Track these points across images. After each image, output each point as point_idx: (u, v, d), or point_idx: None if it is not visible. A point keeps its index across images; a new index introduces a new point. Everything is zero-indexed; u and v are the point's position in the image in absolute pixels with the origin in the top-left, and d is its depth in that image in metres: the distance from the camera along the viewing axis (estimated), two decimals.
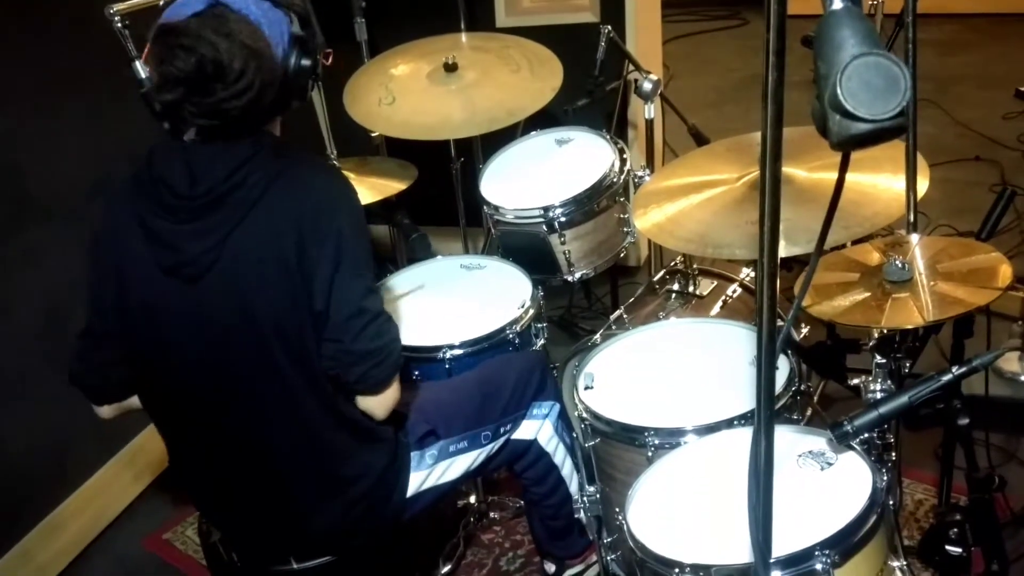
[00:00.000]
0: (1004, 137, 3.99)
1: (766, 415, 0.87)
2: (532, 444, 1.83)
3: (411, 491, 1.66)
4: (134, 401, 1.62)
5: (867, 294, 1.46)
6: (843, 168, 0.77)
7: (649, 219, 1.86)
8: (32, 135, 2.28)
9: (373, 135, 2.70)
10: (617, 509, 1.45)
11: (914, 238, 1.56)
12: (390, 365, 1.47)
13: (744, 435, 1.56)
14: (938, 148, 3.84)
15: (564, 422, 1.86)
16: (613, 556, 1.80)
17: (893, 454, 1.43)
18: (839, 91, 0.63)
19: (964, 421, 1.29)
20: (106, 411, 1.63)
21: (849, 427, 1.28)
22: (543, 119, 2.40)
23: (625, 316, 2.27)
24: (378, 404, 1.51)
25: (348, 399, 1.51)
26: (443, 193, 2.79)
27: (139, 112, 1.39)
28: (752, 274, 2.36)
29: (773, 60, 0.75)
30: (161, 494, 2.65)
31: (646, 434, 1.62)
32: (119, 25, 2.01)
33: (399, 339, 1.49)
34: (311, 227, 1.39)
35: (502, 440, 1.79)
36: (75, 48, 2.34)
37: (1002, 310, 2.62)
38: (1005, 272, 1.40)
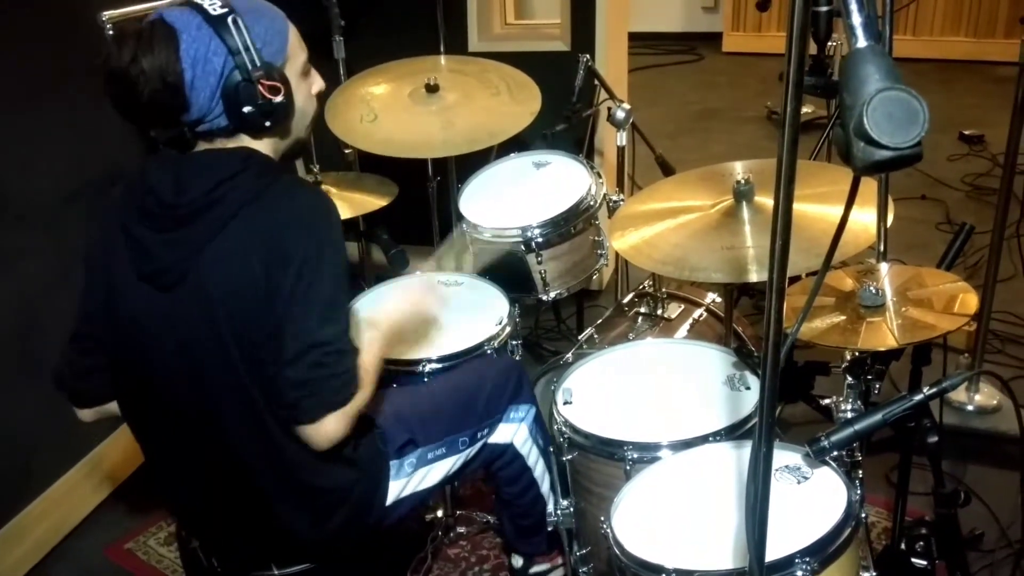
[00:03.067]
0: (949, 177, 4.17)
1: (767, 422, 0.92)
2: (508, 447, 1.86)
3: (391, 499, 1.68)
4: (115, 406, 1.62)
5: (843, 317, 1.54)
6: (852, 194, 0.83)
7: (627, 241, 1.93)
8: (9, 139, 2.26)
9: (347, 151, 2.74)
10: (602, 518, 1.49)
11: (883, 267, 1.65)
12: (325, 400, 1.40)
13: (720, 450, 1.62)
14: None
15: (539, 425, 1.90)
16: (585, 568, 1.85)
17: (860, 471, 1.49)
18: (865, 121, 0.70)
19: (933, 439, 1.37)
20: (87, 414, 1.64)
21: (826, 443, 1.35)
22: (519, 142, 2.46)
23: (596, 336, 2.33)
24: (313, 434, 1.42)
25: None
26: (417, 211, 2.83)
27: (118, 120, 1.40)
28: (718, 299, 2.44)
29: (792, 91, 0.81)
30: (124, 503, 2.62)
31: (624, 448, 1.68)
32: (111, 34, 2.03)
33: (348, 375, 1.42)
34: (278, 249, 1.39)
35: (479, 445, 1.82)
36: (57, 52, 2.33)
37: (950, 343, 2.74)
38: (968, 300, 1.49)
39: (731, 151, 4.61)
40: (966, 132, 4.54)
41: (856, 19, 0.74)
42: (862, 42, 0.73)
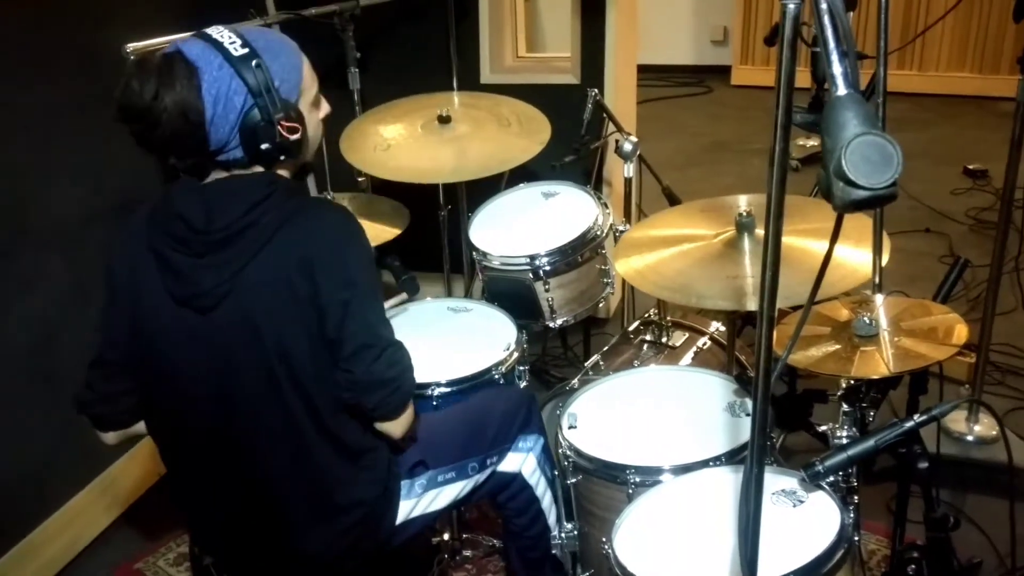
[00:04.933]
0: (953, 211, 4.23)
1: (759, 444, 0.97)
2: (516, 476, 1.90)
3: (400, 519, 1.73)
4: (139, 427, 1.67)
5: (838, 346, 1.59)
6: (836, 229, 0.89)
7: (631, 265, 1.98)
8: (29, 164, 2.34)
9: (360, 179, 2.81)
10: (604, 540, 1.54)
11: (879, 298, 1.70)
12: (404, 392, 1.55)
13: (719, 475, 1.67)
14: (892, 219, 3.98)
15: (547, 456, 1.94)
16: None
17: (856, 497, 1.54)
18: (844, 163, 0.76)
19: (924, 465, 1.42)
20: (111, 437, 1.68)
21: (820, 467, 1.40)
22: (528, 173, 2.53)
23: (601, 363, 2.38)
24: (395, 427, 1.59)
25: (349, 422, 1.58)
26: (427, 238, 2.90)
27: (136, 151, 1.46)
28: (721, 328, 2.49)
29: (780, 133, 0.87)
30: (135, 523, 2.67)
31: (627, 472, 1.72)
32: (129, 65, 2.10)
33: (411, 367, 1.57)
34: (323, 261, 1.46)
35: (488, 471, 1.86)
36: (78, 79, 2.41)
37: (951, 375, 2.79)
38: (961, 331, 1.54)
39: (739, 184, 4.67)
40: (970, 167, 4.59)
41: (837, 68, 0.80)
42: (842, 90, 0.79)
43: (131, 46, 2.10)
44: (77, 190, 2.46)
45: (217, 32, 1.45)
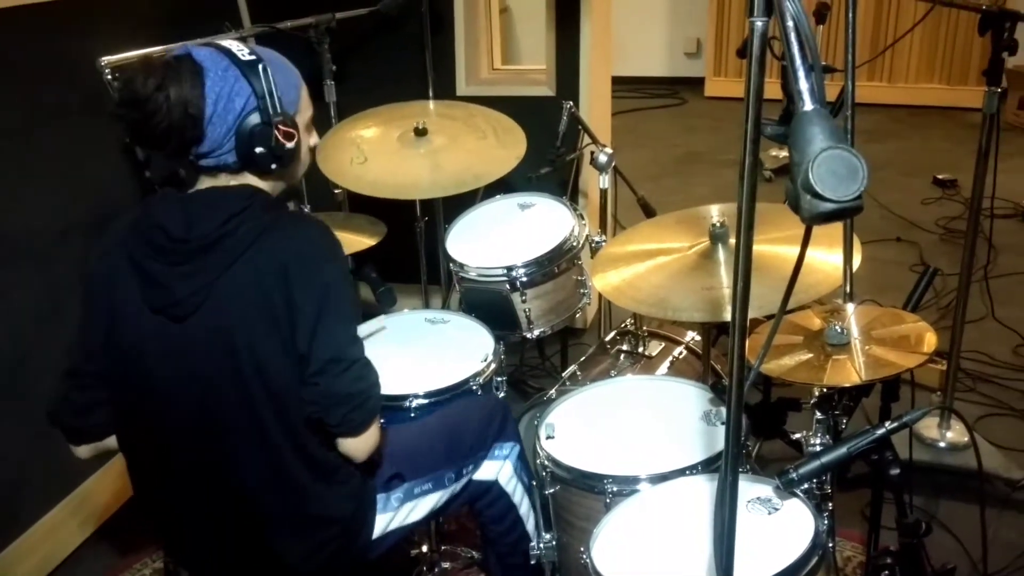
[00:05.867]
0: (923, 220, 4.30)
1: (733, 452, 0.99)
2: (493, 484, 1.91)
3: (377, 532, 1.73)
4: (112, 442, 1.66)
5: (810, 355, 1.61)
6: (805, 241, 0.91)
7: (608, 281, 2.00)
8: (6, 175, 2.32)
9: (336, 191, 2.82)
10: (582, 549, 1.55)
11: (850, 307, 1.73)
12: (369, 409, 1.54)
13: (695, 484, 1.68)
14: (863, 228, 4.05)
15: (523, 463, 1.95)
16: None
17: (830, 504, 1.56)
18: (810, 177, 0.78)
19: (895, 471, 1.44)
20: (84, 451, 1.67)
21: (794, 475, 1.41)
22: (504, 184, 2.54)
23: (579, 373, 2.40)
24: (358, 446, 1.57)
25: (326, 442, 1.58)
26: (405, 249, 2.90)
27: (113, 159, 1.47)
28: (697, 337, 2.51)
29: (750, 147, 0.89)
30: (109, 540, 2.64)
31: (604, 481, 1.73)
32: (108, 77, 2.11)
33: (379, 384, 1.56)
34: (298, 274, 1.47)
35: (464, 480, 1.87)
36: (52, 91, 2.41)
37: (923, 382, 2.83)
38: (930, 339, 1.57)
39: (713, 194, 4.72)
40: (940, 176, 4.67)
41: (803, 84, 0.82)
42: (808, 105, 0.81)
43: (105, 59, 2.11)
44: (51, 202, 2.45)
45: (226, 41, 1.50)
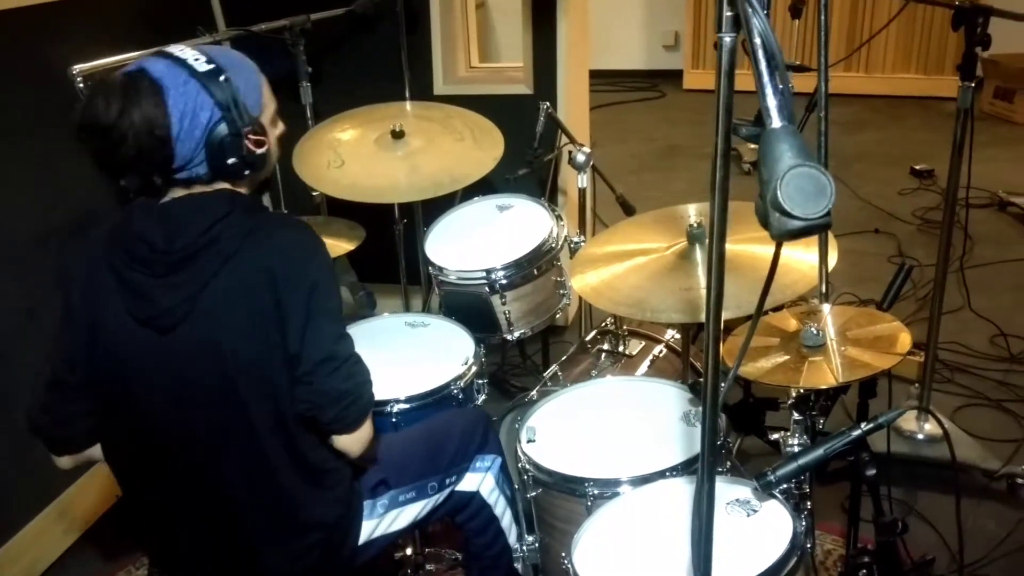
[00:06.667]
0: (901, 211, 4.32)
1: (709, 460, 1.00)
2: (475, 496, 1.92)
3: (363, 539, 1.74)
4: (95, 452, 1.65)
5: (786, 357, 1.62)
6: (776, 256, 0.92)
7: (586, 282, 2.00)
8: None
9: (314, 193, 2.81)
10: (563, 554, 1.55)
11: (826, 308, 1.74)
12: (362, 405, 1.55)
13: (676, 485, 1.69)
14: (841, 220, 4.13)
15: (505, 475, 1.95)
16: None
17: (809, 503, 1.57)
18: (779, 195, 0.78)
19: (871, 472, 1.45)
20: (65, 462, 1.66)
21: (772, 477, 1.43)
22: (483, 186, 2.54)
23: (559, 373, 2.40)
24: (352, 442, 1.58)
25: (313, 441, 1.58)
26: (384, 251, 2.90)
27: (88, 168, 1.45)
28: (677, 335, 2.52)
29: (720, 161, 0.89)
30: (93, 547, 2.63)
31: (585, 484, 1.74)
32: (80, 86, 2.09)
33: (370, 380, 1.57)
34: (284, 275, 1.47)
35: (447, 491, 1.87)
36: (28, 98, 2.38)
37: (901, 373, 2.85)
38: (904, 340, 1.59)
39: (692, 188, 4.74)
40: (917, 167, 4.70)
41: (771, 101, 0.82)
42: (776, 123, 0.82)
43: (78, 67, 2.09)
44: (28, 209, 2.43)
45: (179, 50, 1.46)
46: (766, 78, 0.82)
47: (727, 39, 0.87)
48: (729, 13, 0.84)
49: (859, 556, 1.51)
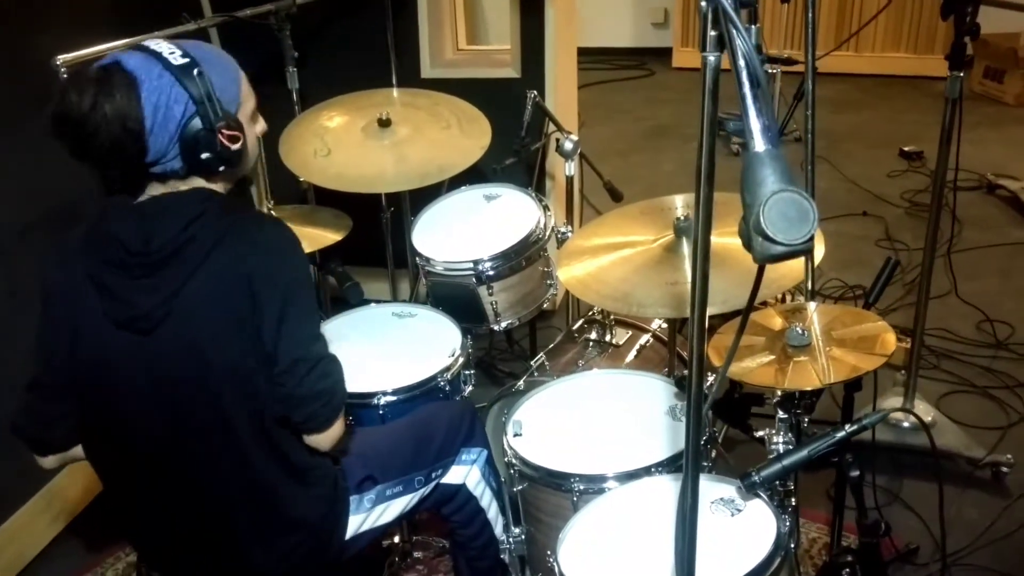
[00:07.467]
0: (889, 194, 4.32)
1: (693, 462, 1.00)
2: (461, 488, 1.92)
3: (350, 533, 1.74)
4: (78, 451, 1.65)
5: (772, 357, 1.63)
6: (758, 279, 0.91)
7: (573, 274, 1.99)
8: None
9: (301, 180, 2.79)
10: (548, 552, 1.56)
11: (811, 306, 1.74)
12: (334, 406, 1.55)
13: (661, 482, 1.70)
14: (829, 203, 4.13)
15: (491, 467, 1.96)
16: None
17: (793, 500, 1.58)
18: (761, 220, 0.78)
19: (855, 473, 1.46)
20: (49, 461, 1.66)
21: (756, 477, 1.43)
22: (470, 171, 2.52)
23: (546, 362, 2.41)
24: (322, 440, 1.58)
25: (294, 440, 1.58)
26: (371, 239, 2.88)
27: (69, 161, 1.44)
28: (663, 325, 2.53)
29: (704, 183, 0.89)
30: (80, 536, 2.64)
31: (571, 480, 1.75)
32: (64, 76, 2.06)
33: (343, 380, 1.57)
34: (260, 275, 1.46)
35: (433, 484, 1.88)
36: (10, 89, 2.35)
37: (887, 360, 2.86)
38: (889, 340, 1.59)
39: (681, 169, 4.72)
40: (906, 148, 4.69)
41: (755, 124, 0.82)
42: (760, 146, 0.81)
43: (61, 58, 2.06)
44: (9, 201, 2.40)
45: (155, 43, 1.44)
46: (749, 100, 0.81)
47: (711, 58, 0.86)
48: (713, 33, 0.83)
49: (842, 555, 1.52)
